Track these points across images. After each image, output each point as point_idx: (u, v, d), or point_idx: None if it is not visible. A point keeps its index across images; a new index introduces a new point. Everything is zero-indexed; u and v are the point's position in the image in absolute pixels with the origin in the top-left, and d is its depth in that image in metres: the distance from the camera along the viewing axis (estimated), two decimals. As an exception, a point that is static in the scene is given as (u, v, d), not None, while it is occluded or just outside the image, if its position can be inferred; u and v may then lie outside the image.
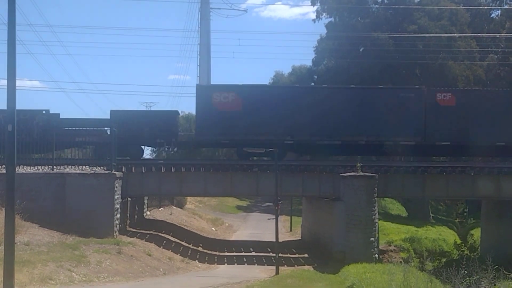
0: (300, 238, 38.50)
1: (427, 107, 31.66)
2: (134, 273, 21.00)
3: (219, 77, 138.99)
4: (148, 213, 37.26)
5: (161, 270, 23.22)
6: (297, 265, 27.65)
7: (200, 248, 31.35)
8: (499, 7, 60.50)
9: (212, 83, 54.08)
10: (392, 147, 31.62)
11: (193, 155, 50.95)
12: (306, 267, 26.94)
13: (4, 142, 12.29)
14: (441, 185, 30.90)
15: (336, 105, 31.68)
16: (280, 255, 25.27)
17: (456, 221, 56.69)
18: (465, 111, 31.82)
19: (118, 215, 26.64)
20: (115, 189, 26.12)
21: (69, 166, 26.99)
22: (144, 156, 33.79)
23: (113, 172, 26.23)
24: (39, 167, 26.56)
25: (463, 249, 37.89)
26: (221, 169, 30.36)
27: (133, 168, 29.70)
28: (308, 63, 62.06)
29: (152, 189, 30.35)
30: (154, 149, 49.29)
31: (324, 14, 57.38)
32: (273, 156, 25.11)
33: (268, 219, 41.99)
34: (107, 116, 31.59)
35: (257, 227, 44.37)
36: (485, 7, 59.41)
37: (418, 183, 30.74)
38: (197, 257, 28.60)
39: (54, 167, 26.38)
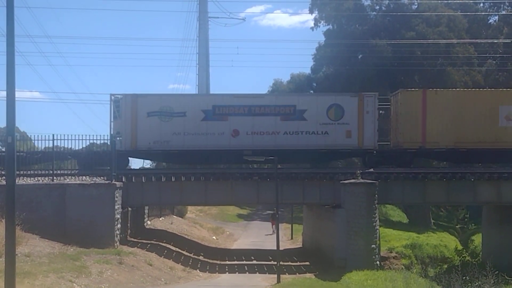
0: (301, 245, 38.47)
1: None
2: (135, 283, 20.96)
3: (218, 86, 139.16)
4: (149, 222, 37.23)
5: (163, 279, 23.18)
6: (299, 273, 27.63)
7: (201, 257, 31.31)
8: (496, 13, 60.64)
9: (211, 91, 53.96)
10: None
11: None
12: (307, 275, 26.92)
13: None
14: (442, 191, 30.89)
15: None
16: (281, 263, 25.24)
17: (457, 227, 56.65)
18: None
19: (119, 225, 26.62)
20: (116, 199, 26.11)
21: (69, 177, 27.00)
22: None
23: (113, 182, 26.22)
24: (39, 178, 26.56)
25: (465, 255, 37.88)
26: (221, 177, 30.34)
27: (133, 178, 29.71)
28: (307, 70, 62.08)
29: (152, 199, 30.35)
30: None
31: (322, 21, 57.46)
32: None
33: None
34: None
35: (258, 236, 44.33)
36: (483, 13, 59.52)
37: (418, 190, 30.73)
38: (199, 266, 28.56)
39: (54, 178, 26.38)
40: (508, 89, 33.82)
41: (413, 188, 30.67)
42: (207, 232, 43.94)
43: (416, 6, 56.25)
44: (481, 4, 61.19)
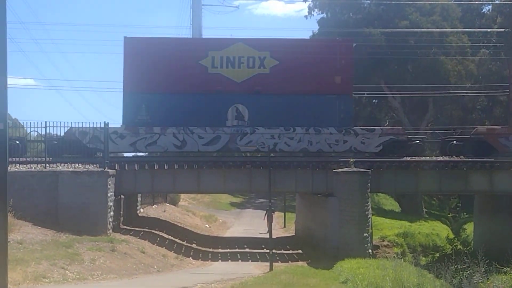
0: (293, 234, 38.55)
1: None
2: (128, 270, 20.98)
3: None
4: (142, 210, 37.22)
5: (155, 267, 23.21)
6: (291, 261, 27.71)
7: (194, 245, 31.35)
8: (490, 2, 60.72)
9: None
10: None
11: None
12: (300, 263, 27.00)
13: None
14: (434, 180, 30.98)
15: None
16: (274, 251, 25.30)
17: (449, 215, 56.98)
18: None
19: (112, 213, 26.59)
20: (108, 186, 26.06)
21: (62, 164, 26.91)
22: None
23: (106, 169, 26.15)
24: (31, 165, 26.47)
25: (456, 243, 38.09)
26: (214, 165, 30.31)
27: (126, 166, 29.65)
28: (301, 59, 61.80)
29: (145, 187, 30.31)
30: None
31: (316, 10, 57.39)
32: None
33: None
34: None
35: (251, 224, 44.40)
36: (477, 2, 59.59)
37: (411, 178, 30.83)
38: (191, 254, 28.60)
39: (47, 165, 26.30)
40: None
41: (405, 177, 30.75)
42: (200, 220, 43.96)
43: (410, -5, 56.24)
44: (475, -7, 61.21)
